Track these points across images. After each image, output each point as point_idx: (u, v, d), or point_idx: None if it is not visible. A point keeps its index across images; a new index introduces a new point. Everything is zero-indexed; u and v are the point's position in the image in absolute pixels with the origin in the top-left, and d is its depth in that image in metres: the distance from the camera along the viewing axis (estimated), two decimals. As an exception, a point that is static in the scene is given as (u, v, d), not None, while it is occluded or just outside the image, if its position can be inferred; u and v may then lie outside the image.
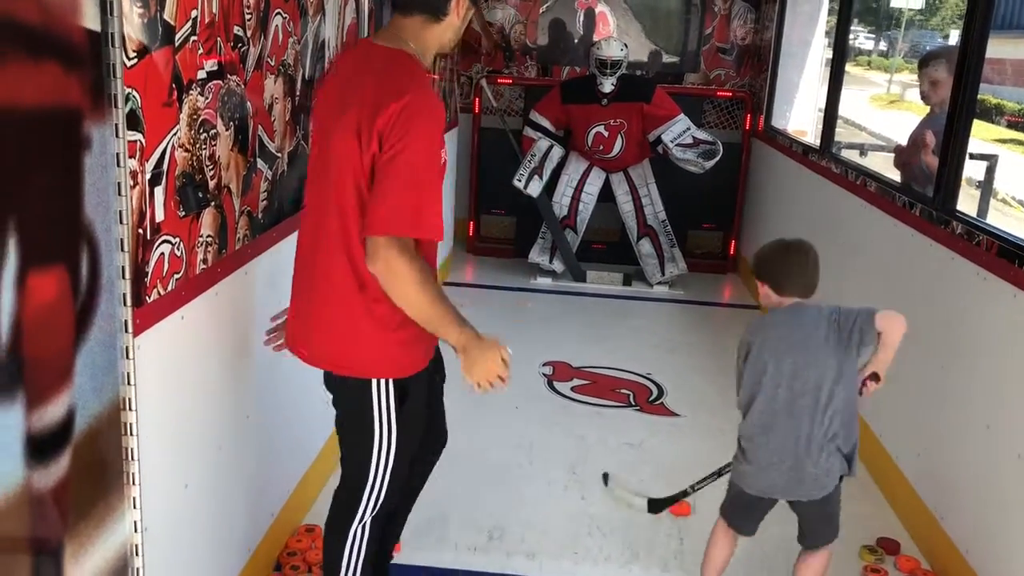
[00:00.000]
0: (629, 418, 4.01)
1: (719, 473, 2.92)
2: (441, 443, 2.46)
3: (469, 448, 3.59)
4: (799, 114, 5.99)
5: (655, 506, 3.16)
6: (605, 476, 3.38)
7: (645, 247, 5.89)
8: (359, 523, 2.18)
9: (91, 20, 1.55)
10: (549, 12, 6.52)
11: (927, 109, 3.80)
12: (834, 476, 2.42)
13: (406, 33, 2.00)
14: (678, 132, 5.62)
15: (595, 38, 6.35)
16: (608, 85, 5.62)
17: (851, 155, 4.81)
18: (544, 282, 5.93)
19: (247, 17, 2.22)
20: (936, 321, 3.09)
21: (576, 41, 6.61)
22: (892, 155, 4.15)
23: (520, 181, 5.65)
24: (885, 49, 23.63)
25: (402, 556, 2.87)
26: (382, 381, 2.05)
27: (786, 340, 2.38)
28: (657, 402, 4.19)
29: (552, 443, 3.71)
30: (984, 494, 2.73)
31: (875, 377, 2.41)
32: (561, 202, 5.86)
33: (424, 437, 2.25)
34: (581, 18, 6.56)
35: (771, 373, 2.38)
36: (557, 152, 5.81)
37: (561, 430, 3.84)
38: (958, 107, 3.05)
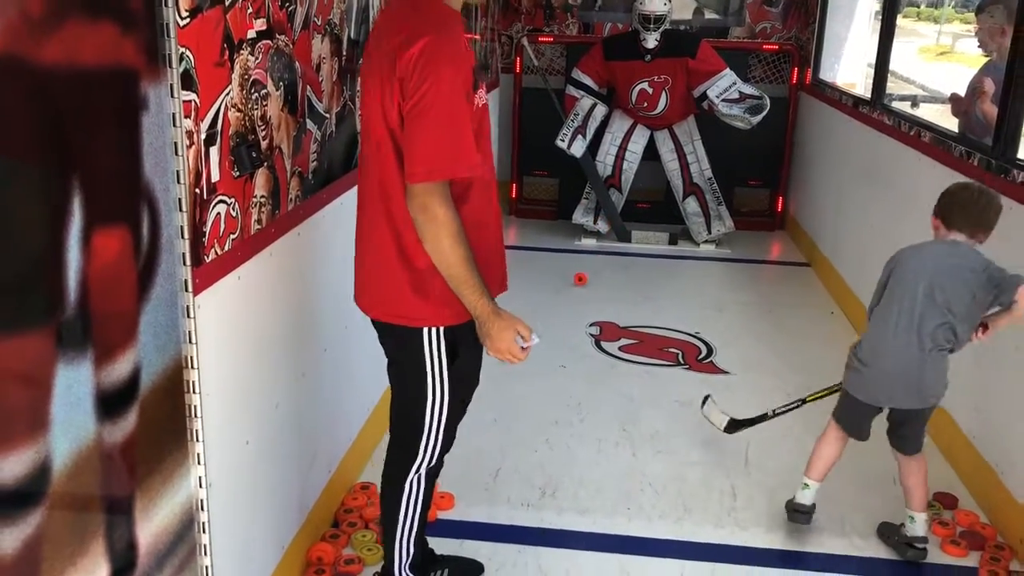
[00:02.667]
0: (679, 376, 3.99)
1: (803, 401, 3.09)
2: (475, 386, 2.37)
3: (518, 406, 3.62)
4: (847, 67, 5.85)
5: (733, 426, 3.26)
6: (706, 398, 3.42)
7: (691, 205, 5.83)
8: (415, 474, 2.21)
9: (144, -21, 1.55)
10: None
11: (978, 61, 3.70)
12: (943, 389, 2.61)
13: None
14: (724, 87, 5.52)
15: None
16: (652, 41, 5.53)
17: (903, 107, 4.70)
18: (589, 243, 5.91)
19: (294, -24, 2.21)
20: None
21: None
22: (944, 107, 4.05)
23: (563, 141, 5.60)
24: (934, 0, 22.97)
25: (456, 511, 2.91)
26: (433, 330, 2.06)
27: (935, 263, 2.54)
28: (706, 360, 4.16)
29: (601, 401, 3.71)
30: (1046, 447, 2.68)
31: (985, 328, 2.56)
32: (605, 161, 5.81)
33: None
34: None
35: (911, 288, 2.54)
36: (600, 110, 5.75)
37: (609, 389, 3.84)
38: (1018, 53, 2.95)
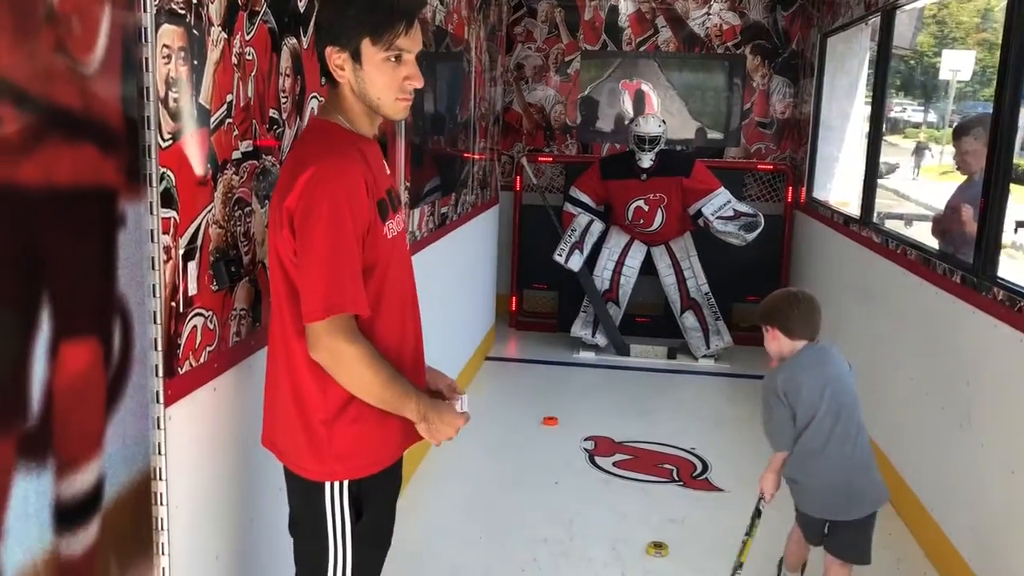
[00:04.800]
0: (672, 493, 3.94)
1: (758, 513, 3.01)
2: (385, 549, 2.15)
3: (507, 522, 3.56)
4: (841, 185, 5.97)
5: None
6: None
7: (689, 320, 5.86)
8: None
9: (129, 105, 1.64)
10: (590, 92, 6.66)
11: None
12: (883, 493, 2.74)
13: (330, 102, 1.92)
14: (719, 205, 5.64)
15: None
16: (647, 160, 5.69)
17: (896, 225, 4.77)
18: (587, 356, 5.92)
19: (283, 100, 2.32)
20: (982, 388, 3.02)
21: (627, 122, 6.71)
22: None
23: (561, 256, 5.70)
24: (935, 121, 23.53)
25: (437, 633, 2.83)
26: (336, 484, 1.92)
27: (824, 375, 2.71)
28: (701, 477, 4.11)
29: (593, 519, 3.65)
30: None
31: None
32: (603, 276, 5.89)
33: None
34: (626, 99, 6.68)
35: (818, 406, 2.68)
36: (597, 227, 5.86)
37: (602, 506, 3.78)
38: (994, 173, 3.03)
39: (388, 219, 1.91)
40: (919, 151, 18.58)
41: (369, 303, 1.84)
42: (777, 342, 2.81)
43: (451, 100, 4.48)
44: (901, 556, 3.40)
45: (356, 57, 1.82)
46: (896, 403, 3.85)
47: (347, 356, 1.79)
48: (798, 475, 2.77)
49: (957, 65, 19.92)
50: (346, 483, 1.93)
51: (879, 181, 4.58)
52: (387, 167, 2.09)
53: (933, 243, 3.84)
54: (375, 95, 1.85)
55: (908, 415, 3.74)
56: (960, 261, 3.34)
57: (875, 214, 4.60)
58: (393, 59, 1.82)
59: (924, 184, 16.18)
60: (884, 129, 4.92)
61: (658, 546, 3.38)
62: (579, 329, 5.91)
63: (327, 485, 1.92)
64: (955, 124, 3.99)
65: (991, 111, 3.12)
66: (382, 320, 1.91)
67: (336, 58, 1.83)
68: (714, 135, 6.63)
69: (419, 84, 1.87)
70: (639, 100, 6.72)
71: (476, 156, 5.15)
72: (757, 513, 2.95)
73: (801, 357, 2.77)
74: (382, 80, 1.83)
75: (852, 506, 2.71)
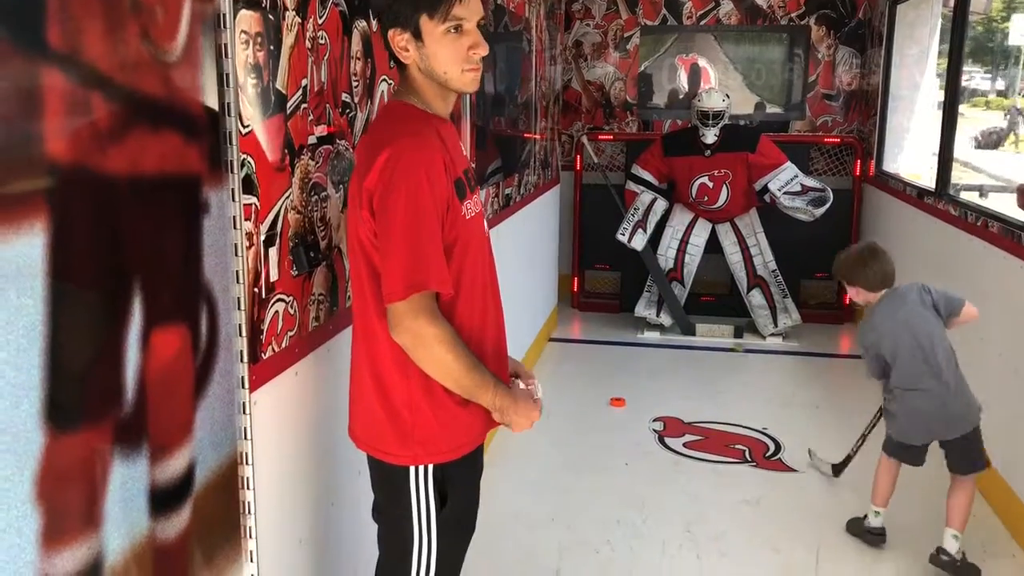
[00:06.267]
0: (745, 474, 3.88)
1: (872, 425, 3.60)
2: (470, 535, 2.15)
3: (579, 504, 3.55)
4: (911, 158, 5.80)
5: (838, 470, 3.74)
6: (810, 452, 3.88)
7: (756, 298, 5.76)
8: None
9: (210, 95, 1.64)
10: (650, 68, 6.57)
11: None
12: (976, 410, 3.02)
13: (403, 85, 1.92)
14: (785, 180, 5.52)
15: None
16: (711, 136, 5.59)
17: (970, 197, 4.62)
18: (652, 336, 5.86)
19: (354, 84, 2.31)
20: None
21: (682, 97, 6.62)
22: (1014, 195, 3.96)
23: (624, 235, 5.64)
24: (1004, 88, 22.74)
25: (514, 615, 2.84)
26: (420, 469, 1.92)
27: (896, 321, 3.03)
28: (774, 457, 4.04)
29: (665, 500, 3.62)
30: None
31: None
32: (667, 255, 5.81)
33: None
34: (682, 75, 6.57)
35: (897, 350, 3.01)
36: (660, 205, 5.78)
37: (674, 487, 3.74)
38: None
39: (466, 199, 1.90)
40: (1014, 118, 17.18)
41: (452, 283, 1.83)
42: (862, 295, 3.14)
43: (512, 80, 4.44)
44: (986, 539, 3.30)
45: (417, 35, 1.81)
46: (983, 381, 3.72)
47: (429, 337, 1.77)
48: (896, 408, 3.07)
49: (1027, 29, 19.23)
50: (431, 468, 1.92)
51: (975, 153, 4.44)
52: (463, 147, 2.07)
53: (1018, 215, 3.70)
54: (442, 70, 1.83)
55: (996, 393, 3.61)
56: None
57: (951, 186, 4.45)
58: (453, 30, 1.80)
59: (991, 154, 15.65)
60: (961, 98, 4.75)
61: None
62: (643, 309, 5.86)
63: (411, 470, 1.92)
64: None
65: None
66: (462, 302, 1.89)
67: (399, 40, 1.83)
68: (774, 109, 6.48)
69: (484, 52, 1.84)
70: (695, 75, 6.60)
71: (537, 136, 5.11)
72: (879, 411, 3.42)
73: (879, 307, 3.10)
74: (445, 53, 1.81)
75: (951, 428, 3.00)
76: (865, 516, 3.24)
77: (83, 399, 1.34)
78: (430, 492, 1.93)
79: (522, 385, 2.06)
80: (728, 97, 5.68)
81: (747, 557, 3.18)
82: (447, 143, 1.89)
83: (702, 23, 6.36)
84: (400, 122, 1.86)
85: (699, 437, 4.27)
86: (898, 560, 3.11)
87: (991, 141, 15.18)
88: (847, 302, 6.19)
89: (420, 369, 1.84)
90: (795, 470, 3.90)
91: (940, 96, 5.53)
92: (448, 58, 1.82)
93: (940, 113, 4.80)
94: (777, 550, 3.22)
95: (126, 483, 1.44)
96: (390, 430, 1.91)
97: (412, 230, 1.75)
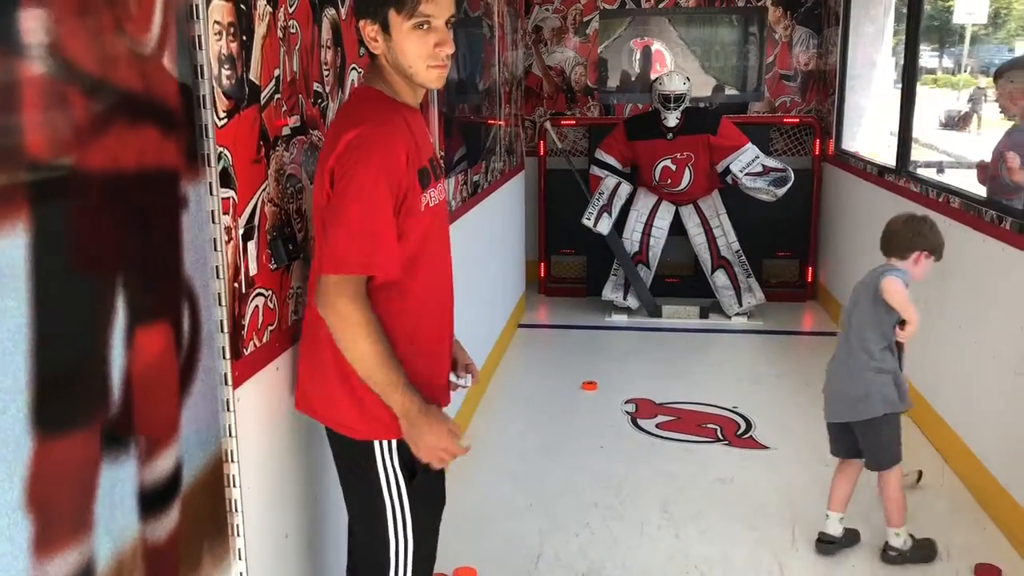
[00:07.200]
0: (718, 453, 3.92)
1: None
2: (442, 506, 2.17)
3: (556, 489, 3.56)
4: (869, 136, 5.88)
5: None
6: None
7: (720, 279, 5.82)
8: None
9: (184, 85, 1.61)
10: (605, 52, 6.58)
11: (1000, 125, 3.70)
12: (874, 403, 2.88)
13: (372, 72, 1.92)
14: (747, 161, 5.57)
15: (652, 76, 6.40)
16: (673, 119, 5.61)
17: (927, 174, 4.70)
18: (619, 319, 5.89)
19: (325, 74, 2.28)
20: (1038, 336, 2.97)
21: (633, 79, 6.64)
22: (971, 171, 4.04)
23: (589, 219, 5.65)
24: (951, 66, 23.17)
25: (498, 601, 2.85)
26: (385, 443, 1.91)
27: (855, 288, 3.01)
28: (746, 435, 4.09)
29: (641, 481, 3.65)
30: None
31: (902, 323, 2.88)
32: (632, 238, 5.84)
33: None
34: (637, 57, 6.60)
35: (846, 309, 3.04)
36: (625, 188, 5.81)
37: (649, 468, 3.77)
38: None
39: (429, 187, 1.91)
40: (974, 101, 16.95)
41: (402, 268, 1.84)
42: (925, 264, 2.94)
43: (475, 66, 4.42)
44: (956, 507, 3.38)
45: (385, 28, 1.82)
46: (944, 353, 3.81)
47: (352, 321, 1.77)
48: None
49: (972, 8, 19.61)
50: (394, 442, 1.92)
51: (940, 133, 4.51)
52: (430, 135, 2.06)
53: (976, 190, 3.77)
54: (407, 64, 1.84)
55: (957, 365, 3.70)
56: (1009, 207, 3.28)
57: (911, 163, 4.53)
58: (421, 26, 1.80)
59: (942, 132, 15.95)
60: (922, 75, 4.83)
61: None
62: (610, 292, 5.88)
63: (375, 445, 1.92)
64: (997, 66, 3.88)
65: (1009, 55, 3.05)
66: (419, 291, 1.91)
67: (369, 30, 1.84)
68: (731, 91, 6.54)
69: (450, 50, 1.84)
70: (647, 58, 6.63)
71: (502, 122, 5.10)
72: None
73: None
74: (412, 49, 1.82)
75: (828, 408, 3.03)
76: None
77: (71, 401, 1.32)
78: (397, 466, 1.92)
79: (454, 377, 2.10)
80: (689, 80, 5.71)
81: (724, 535, 3.22)
82: (414, 131, 1.90)
83: (660, 5, 6.38)
84: (369, 107, 1.87)
85: (671, 417, 4.31)
86: (876, 535, 3.17)
87: (956, 123, 15.40)
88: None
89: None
90: (767, 447, 3.95)
91: (895, 74, 5.62)
92: (414, 54, 1.82)
93: (897, 92, 4.87)
94: (753, 527, 3.26)
95: (115, 485, 1.41)
96: (348, 404, 1.90)
97: (368, 211, 1.76)
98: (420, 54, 1.82)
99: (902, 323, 2.87)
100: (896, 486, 2.96)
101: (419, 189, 1.86)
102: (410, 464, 1.94)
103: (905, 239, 2.91)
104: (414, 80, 1.87)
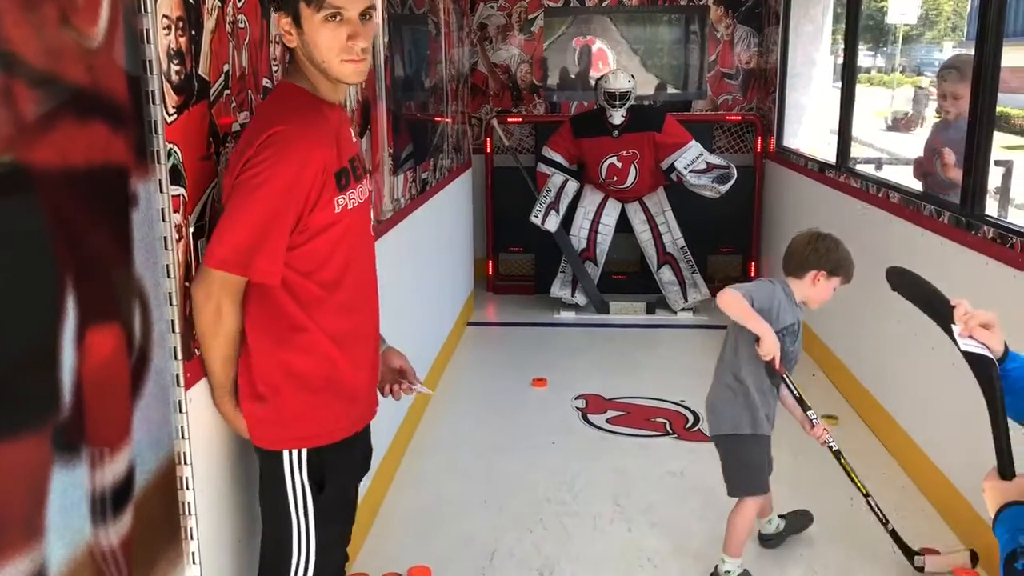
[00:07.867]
0: (668, 447, 3.97)
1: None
2: (351, 523, 2.13)
3: (509, 485, 3.57)
4: (809, 133, 6.01)
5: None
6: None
7: (666, 275, 5.88)
8: None
9: (133, 80, 1.57)
10: (550, 51, 6.61)
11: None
12: (721, 420, 2.85)
13: (293, 67, 1.88)
14: (691, 158, 5.64)
15: (593, 74, 6.45)
16: (618, 117, 5.66)
17: (866, 170, 4.82)
18: (567, 316, 5.93)
19: (274, 69, 2.25)
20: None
21: (573, 77, 6.69)
22: (907, 168, 4.15)
23: (537, 217, 5.67)
24: (884, 65, 23.80)
25: (454, 599, 2.84)
26: (294, 453, 1.89)
27: None
28: (694, 429, 4.15)
29: (593, 476, 3.67)
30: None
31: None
32: (579, 235, 5.88)
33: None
34: (577, 54, 6.65)
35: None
36: (572, 186, 5.84)
37: (600, 463, 3.80)
38: (978, 114, 3.06)
39: (348, 189, 1.86)
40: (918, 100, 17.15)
41: (311, 270, 1.83)
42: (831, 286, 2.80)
43: (421, 63, 4.40)
44: (901, 499, 3.46)
45: (297, 21, 1.77)
46: (884, 346, 3.91)
47: (227, 323, 1.78)
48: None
49: (904, 9, 20.18)
50: (304, 452, 1.89)
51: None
52: (354, 135, 2.04)
53: (913, 185, 3.88)
54: (320, 59, 1.79)
55: (897, 358, 3.79)
56: (946, 201, 3.38)
57: (851, 159, 4.64)
58: (331, 18, 1.76)
59: (878, 129, 16.35)
60: (858, 74, 4.94)
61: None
62: (558, 289, 5.91)
63: (285, 455, 1.89)
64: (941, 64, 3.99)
65: (939, 55, 3.15)
66: (327, 297, 1.87)
67: (283, 23, 1.80)
68: (673, 89, 6.62)
69: (365, 43, 1.79)
70: (586, 56, 6.69)
71: (449, 119, 5.09)
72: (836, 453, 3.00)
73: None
74: (323, 42, 1.76)
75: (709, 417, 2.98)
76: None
77: (20, 404, 1.28)
78: (305, 478, 1.90)
79: (419, 386, 2.16)
80: (634, 78, 5.76)
81: (676, 527, 3.26)
82: (335, 130, 1.86)
83: (603, 4, 6.43)
84: (290, 105, 1.82)
85: (621, 412, 4.34)
86: (826, 522, 3.24)
87: (902, 125, 15.84)
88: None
89: (288, 350, 1.84)
90: (715, 440, 4.00)
91: (833, 73, 5.74)
92: (325, 47, 1.77)
93: (836, 90, 4.98)
94: (704, 519, 3.31)
95: (67, 490, 1.38)
96: (259, 411, 1.87)
97: (265, 214, 1.73)
98: (332, 47, 1.77)
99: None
100: (745, 518, 2.84)
101: (335, 191, 1.82)
102: (319, 477, 1.92)
103: (801, 257, 2.75)
104: (328, 75, 1.81)
